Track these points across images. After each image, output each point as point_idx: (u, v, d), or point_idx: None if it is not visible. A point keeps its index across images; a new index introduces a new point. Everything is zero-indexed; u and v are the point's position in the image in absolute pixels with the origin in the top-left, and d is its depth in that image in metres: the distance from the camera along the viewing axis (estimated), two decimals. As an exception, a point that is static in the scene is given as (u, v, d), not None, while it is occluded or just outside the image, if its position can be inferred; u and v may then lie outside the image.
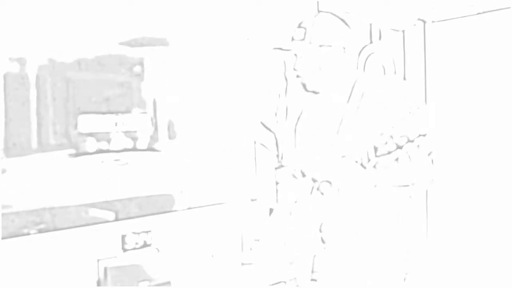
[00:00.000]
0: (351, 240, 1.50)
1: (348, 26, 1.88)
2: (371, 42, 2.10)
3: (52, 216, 2.18)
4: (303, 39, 1.82)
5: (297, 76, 1.89)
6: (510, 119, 2.75)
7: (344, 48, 1.84)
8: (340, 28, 1.83)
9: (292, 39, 1.85)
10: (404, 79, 2.73)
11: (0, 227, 2.01)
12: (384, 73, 2.03)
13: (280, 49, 1.90)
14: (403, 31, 3.13)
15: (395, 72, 2.61)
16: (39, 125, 2.19)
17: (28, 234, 2.11)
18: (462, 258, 2.94)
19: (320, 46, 1.80)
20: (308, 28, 1.81)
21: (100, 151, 2.36)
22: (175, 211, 2.55)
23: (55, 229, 2.18)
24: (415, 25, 3.09)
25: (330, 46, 1.80)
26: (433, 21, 3.07)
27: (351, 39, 1.87)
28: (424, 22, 3.09)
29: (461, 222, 2.99)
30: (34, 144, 2.17)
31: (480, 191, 2.91)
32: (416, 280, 1.50)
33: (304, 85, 1.89)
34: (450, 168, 2.98)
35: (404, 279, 1.58)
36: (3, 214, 2.03)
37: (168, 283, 2.40)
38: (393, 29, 2.97)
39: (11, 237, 2.06)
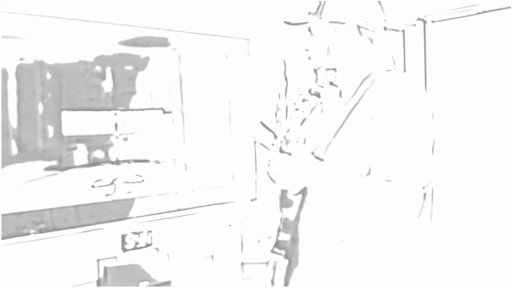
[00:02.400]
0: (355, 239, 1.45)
1: (382, 10, 1.50)
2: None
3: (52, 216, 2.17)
4: (315, 13, 1.47)
5: (309, 58, 1.52)
6: (509, 118, 2.75)
7: (359, 28, 1.46)
8: (362, 4, 1.46)
9: (309, 13, 1.49)
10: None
11: (0, 227, 2.00)
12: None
13: (289, 23, 1.52)
14: (403, 31, 3.13)
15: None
16: (18, 127, 2.07)
17: (28, 234, 2.11)
18: (462, 257, 2.93)
19: (331, 22, 1.45)
20: (323, 0, 1.47)
21: (95, 163, 2.28)
22: (176, 211, 2.55)
23: (55, 229, 2.18)
24: (415, 25, 3.09)
25: (343, 23, 1.45)
26: (433, 21, 3.07)
27: (374, 19, 1.47)
28: (424, 22, 3.09)
29: (460, 221, 2.99)
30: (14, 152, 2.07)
31: (479, 189, 2.90)
32: (417, 280, 1.49)
33: (315, 71, 1.55)
34: (450, 167, 2.98)
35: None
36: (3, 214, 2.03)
37: (168, 283, 2.40)
38: (393, 29, 2.97)
39: (11, 237, 2.06)
